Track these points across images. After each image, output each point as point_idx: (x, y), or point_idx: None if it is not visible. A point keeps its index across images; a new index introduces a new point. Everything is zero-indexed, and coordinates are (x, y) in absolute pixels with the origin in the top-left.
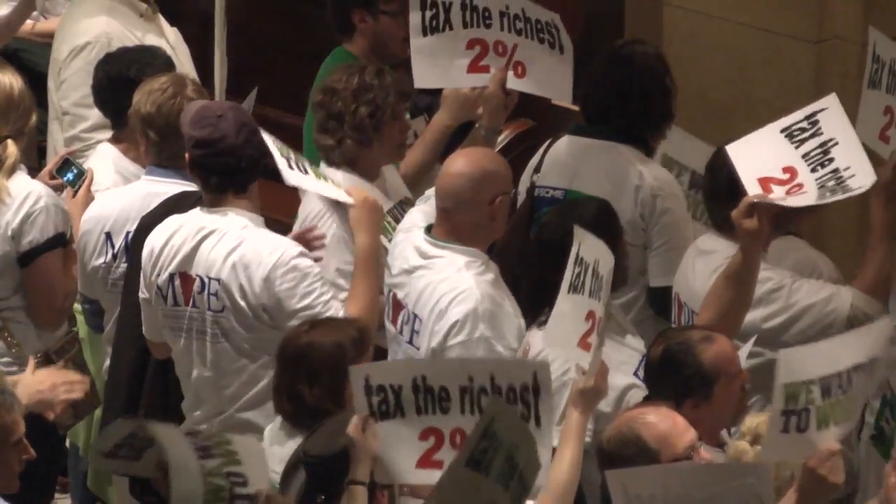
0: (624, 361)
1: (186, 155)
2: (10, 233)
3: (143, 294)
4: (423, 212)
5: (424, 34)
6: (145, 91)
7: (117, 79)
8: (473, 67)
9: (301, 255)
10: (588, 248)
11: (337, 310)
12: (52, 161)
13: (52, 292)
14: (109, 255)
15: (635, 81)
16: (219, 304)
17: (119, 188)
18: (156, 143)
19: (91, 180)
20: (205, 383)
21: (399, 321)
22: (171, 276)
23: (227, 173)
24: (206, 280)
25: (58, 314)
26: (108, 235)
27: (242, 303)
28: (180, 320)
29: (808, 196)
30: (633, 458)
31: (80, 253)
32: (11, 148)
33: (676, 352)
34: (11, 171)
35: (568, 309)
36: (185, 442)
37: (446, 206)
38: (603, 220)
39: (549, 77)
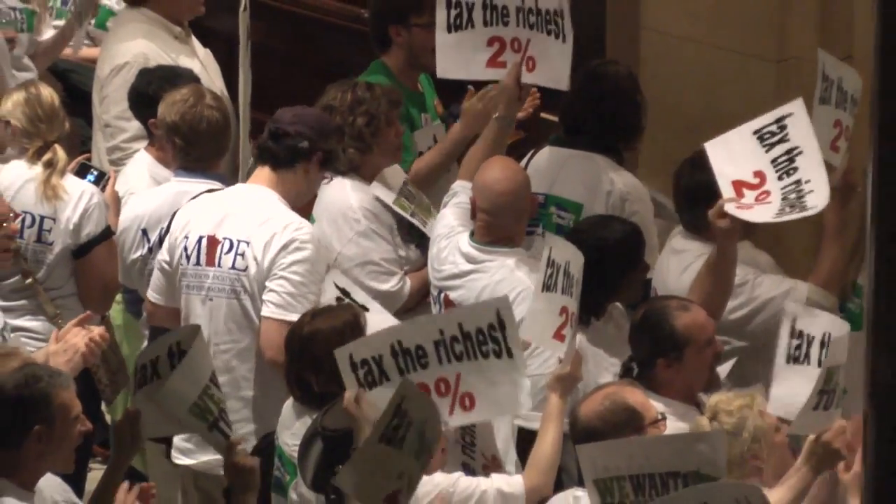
0: (605, 364)
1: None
2: (70, 227)
3: (163, 257)
4: (454, 215)
5: (449, 31)
6: (169, 102)
7: (139, 94)
8: (492, 63)
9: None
10: (559, 251)
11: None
12: (69, 166)
13: (104, 279)
14: (145, 249)
15: (607, 98)
16: (242, 263)
17: (152, 189)
18: (182, 148)
19: (114, 181)
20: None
21: None
22: (200, 240)
23: (269, 150)
24: (234, 241)
25: (108, 298)
26: (144, 231)
27: (262, 264)
28: (203, 279)
29: (770, 208)
30: (621, 427)
31: (120, 248)
32: (60, 152)
33: (653, 315)
34: (63, 172)
35: (542, 306)
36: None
37: (492, 214)
38: (631, 241)
39: (552, 67)
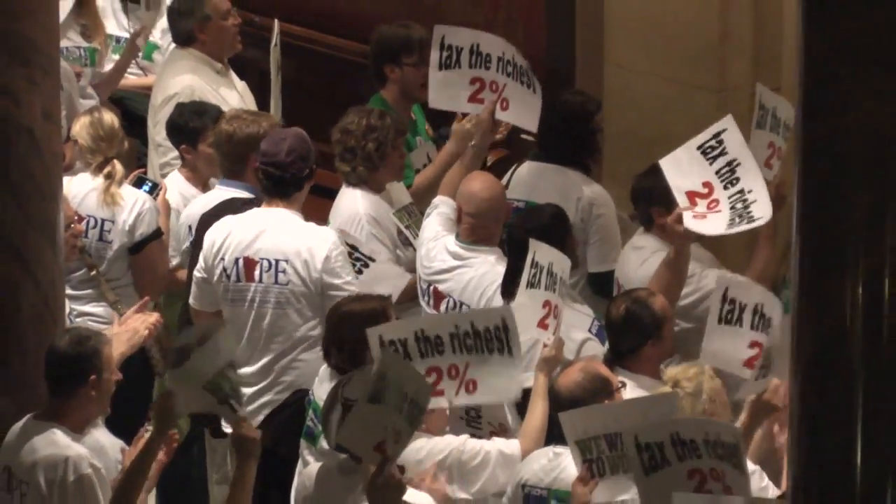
0: (577, 324)
1: (259, 168)
2: (126, 228)
3: (200, 274)
4: (438, 222)
5: (440, 69)
6: (222, 126)
7: (174, 125)
8: (473, 98)
9: (341, 243)
10: (542, 254)
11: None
12: (129, 178)
13: (155, 271)
14: (188, 243)
15: (571, 123)
16: (285, 278)
17: (202, 195)
18: (223, 160)
19: (165, 190)
20: (253, 341)
21: (442, 307)
22: (236, 261)
23: (276, 181)
24: (272, 261)
25: (159, 287)
26: (191, 229)
27: (305, 275)
28: (244, 293)
29: (722, 218)
30: (597, 393)
31: (174, 241)
32: (118, 165)
33: (635, 308)
34: (121, 183)
35: (526, 300)
36: (230, 353)
37: (476, 217)
38: (556, 221)
39: (523, 111)
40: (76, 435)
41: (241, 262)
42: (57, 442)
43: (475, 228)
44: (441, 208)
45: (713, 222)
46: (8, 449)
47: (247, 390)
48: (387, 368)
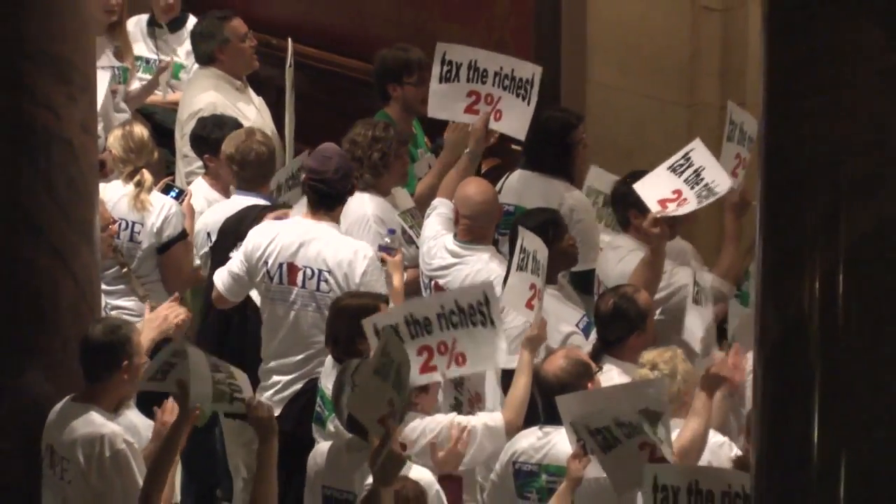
0: (566, 318)
1: (305, 181)
2: (154, 230)
3: (238, 269)
4: (437, 222)
5: (440, 82)
6: (229, 139)
7: (197, 136)
8: (469, 109)
9: (374, 254)
10: (528, 241)
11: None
12: (158, 185)
13: (180, 269)
14: (207, 248)
15: (553, 135)
16: (327, 287)
17: (218, 203)
18: (237, 173)
19: (190, 196)
20: (293, 337)
21: None
22: (280, 265)
23: (323, 197)
24: (315, 270)
25: (184, 284)
26: (209, 235)
27: (343, 286)
28: (286, 295)
29: (690, 204)
30: (580, 377)
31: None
32: (147, 174)
33: (622, 303)
34: (150, 190)
35: (516, 282)
36: (204, 359)
37: (472, 219)
38: (549, 223)
39: (514, 121)
40: (110, 414)
41: (284, 266)
42: (93, 421)
43: (471, 229)
44: (440, 209)
45: (685, 207)
46: (50, 429)
47: (281, 378)
48: (389, 347)
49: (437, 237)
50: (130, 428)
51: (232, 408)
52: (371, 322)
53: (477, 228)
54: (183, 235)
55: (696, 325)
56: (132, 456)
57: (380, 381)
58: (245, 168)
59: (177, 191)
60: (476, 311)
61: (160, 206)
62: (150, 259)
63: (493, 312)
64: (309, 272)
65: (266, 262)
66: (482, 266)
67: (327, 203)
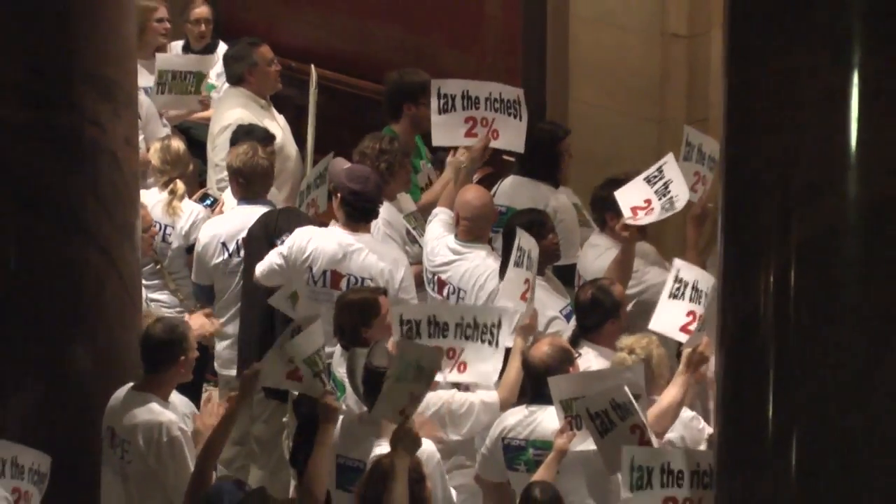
0: (551, 305)
1: (339, 195)
2: (183, 233)
3: (277, 263)
4: (440, 226)
5: (439, 113)
6: (234, 153)
7: (231, 146)
8: (468, 134)
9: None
10: (524, 241)
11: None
12: (195, 195)
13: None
14: (226, 255)
15: (539, 146)
16: None
17: (221, 215)
18: (243, 185)
19: (223, 203)
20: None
21: (444, 293)
22: (325, 272)
23: (364, 212)
24: (358, 278)
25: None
26: (224, 244)
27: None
28: (329, 297)
29: (654, 214)
30: (563, 362)
31: (202, 255)
32: (180, 184)
33: (599, 293)
34: (182, 197)
35: (513, 276)
36: (321, 333)
37: (471, 221)
38: (535, 223)
39: (511, 137)
40: (166, 403)
41: (328, 273)
42: (153, 410)
43: (470, 230)
44: (441, 216)
45: (650, 216)
46: (112, 413)
47: None
48: (404, 353)
49: (439, 238)
50: (175, 407)
51: (311, 383)
52: (399, 312)
53: (476, 229)
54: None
55: (672, 314)
56: (185, 442)
57: (399, 384)
58: (252, 181)
59: (211, 199)
60: (488, 330)
61: (189, 213)
62: (179, 258)
63: (501, 336)
64: (353, 280)
65: (311, 268)
66: (480, 262)
67: (367, 217)
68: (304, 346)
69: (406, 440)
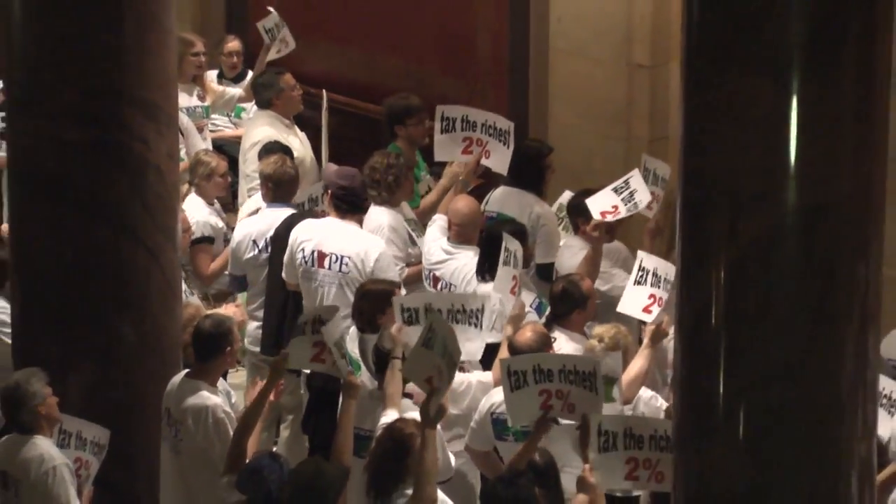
0: (523, 299)
1: (330, 192)
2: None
3: (287, 259)
4: (437, 230)
5: (441, 133)
6: (266, 162)
7: (260, 159)
8: (465, 151)
9: (385, 247)
10: (511, 243)
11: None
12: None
13: (197, 266)
14: (256, 251)
15: (527, 161)
16: (348, 270)
17: (253, 216)
18: (272, 189)
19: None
20: (322, 304)
21: (439, 286)
22: (312, 252)
23: (351, 204)
24: (341, 255)
25: (207, 279)
26: (254, 241)
27: (360, 270)
28: (316, 274)
29: (620, 213)
30: (544, 345)
31: (236, 251)
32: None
33: (569, 286)
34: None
35: (503, 274)
36: (341, 329)
37: (461, 226)
38: (516, 233)
39: (499, 159)
40: (214, 389)
41: (315, 253)
42: (202, 395)
43: (460, 234)
44: (438, 222)
45: (617, 215)
46: (169, 396)
47: None
48: (435, 325)
49: (435, 241)
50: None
51: (338, 363)
52: (399, 301)
53: (464, 233)
54: (201, 240)
55: (636, 298)
56: (229, 423)
57: (427, 352)
58: (280, 186)
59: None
60: (474, 315)
61: (193, 219)
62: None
63: (485, 318)
64: (334, 258)
65: (302, 250)
66: (468, 261)
67: (353, 208)
68: (333, 332)
69: (435, 410)
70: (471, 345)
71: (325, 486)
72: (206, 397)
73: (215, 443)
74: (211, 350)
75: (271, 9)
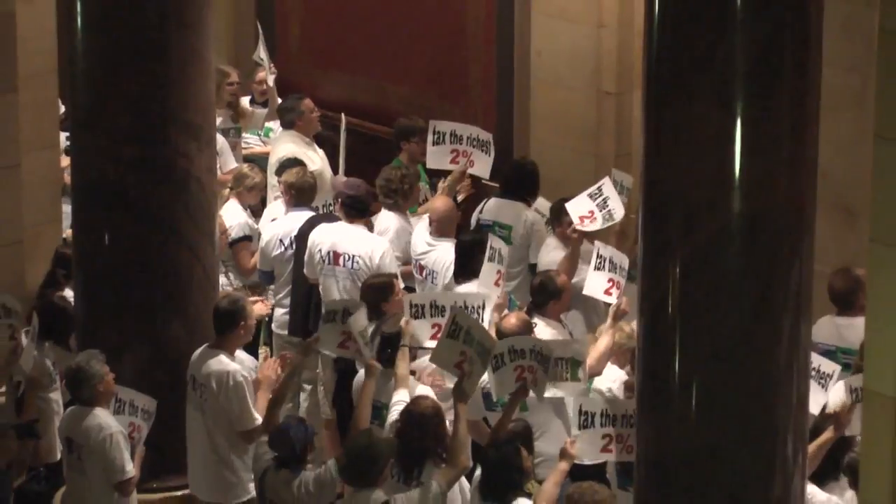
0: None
1: (340, 200)
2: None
3: (307, 258)
4: (422, 226)
5: (433, 144)
6: (290, 173)
7: (278, 172)
8: (452, 161)
9: (388, 246)
10: (496, 242)
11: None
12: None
13: (238, 262)
14: (283, 248)
15: (522, 175)
16: (357, 266)
17: (281, 218)
18: (294, 196)
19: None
20: (339, 297)
21: (423, 274)
22: (328, 252)
23: (358, 210)
24: (352, 255)
25: (248, 272)
26: (281, 240)
27: (368, 266)
28: (333, 271)
29: (597, 223)
30: (527, 330)
31: (265, 249)
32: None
33: (546, 280)
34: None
35: (487, 269)
36: (365, 320)
37: (438, 223)
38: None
39: (481, 166)
40: (232, 357)
41: (331, 253)
42: (222, 361)
43: (438, 228)
44: (424, 220)
45: (593, 225)
46: (193, 364)
47: None
48: (458, 318)
49: (419, 235)
50: (242, 363)
51: (362, 349)
52: (409, 299)
53: (442, 228)
54: (241, 238)
55: (597, 282)
56: (246, 385)
57: (453, 342)
58: (302, 192)
59: None
60: (475, 311)
61: (230, 221)
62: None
63: (486, 314)
64: (347, 257)
65: (320, 251)
66: (445, 251)
67: (360, 213)
68: (359, 323)
69: (461, 392)
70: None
71: (377, 454)
72: (227, 363)
73: (234, 402)
74: (227, 324)
75: (259, 29)
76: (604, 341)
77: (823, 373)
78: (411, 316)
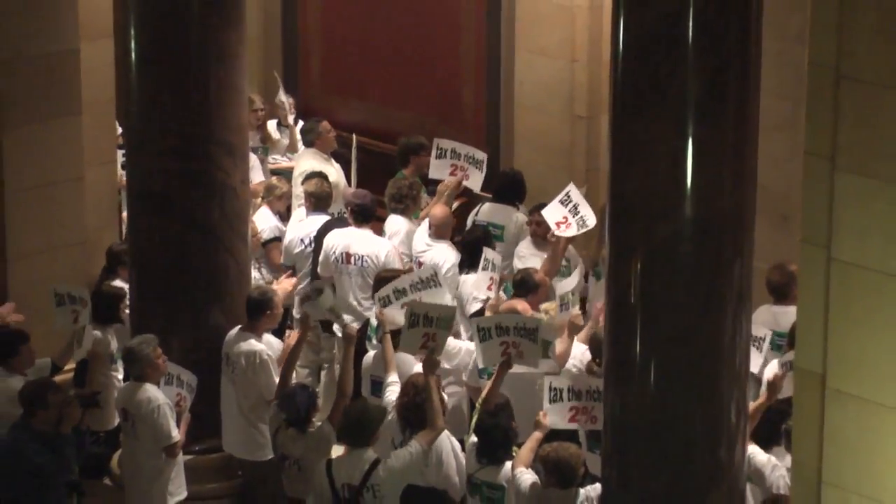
0: (481, 287)
1: (349, 207)
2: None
3: (322, 257)
4: (423, 228)
5: (436, 158)
6: (309, 183)
7: (304, 182)
8: (451, 173)
9: (391, 246)
10: (489, 254)
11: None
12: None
13: (270, 258)
14: (303, 246)
15: (511, 183)
16: (366, 265)
17: (303, 221)
18: (314, 202)
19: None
20: (353, 293)
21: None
22: (341, 253)
23: (365, 216)
24: (361, 255)
25: (279, 268)
26: (302, 240)
27: (375, 263)
28: (346, 270)
29: (572, 229)
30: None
31: (288, 247)
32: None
33: (526, 276)
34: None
35: (481, 276)
36: (332, 295)
37: (437, 227)
38: (486, 238)
39: (475, 181)
40: (260, 338)
41: (343, 254)
42: (251, 343)
43: (436, 231)
44: (425, 223)
45: (570, 230)
46: (227, 344)
47: (347, 316)
48: (413, 308)
49: (420, 236)
50: (269, 344)
51: (336, 321)
52: (376, 294)
53: (439, 231)
54: (272, 239)
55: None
56: (271, 363)
57: (412, 330)
58: (320, 200)
59: None
60: (432, 280)
61: (262, 224)
62: (259, 250)
63: (440, 280)
64: (357, 257)
65: (334, 252)
66: (441, 251)
67: (366, 219)
68: (326, 300)
69: (430, 365)
70: (440, 298)
71: (369, 420)
72: (255, 344)
73: (261, 376)
74: (257, 311)
75: (277, 75)
76: (566, 343)
77: (756, 337)
78: (381, 307)
